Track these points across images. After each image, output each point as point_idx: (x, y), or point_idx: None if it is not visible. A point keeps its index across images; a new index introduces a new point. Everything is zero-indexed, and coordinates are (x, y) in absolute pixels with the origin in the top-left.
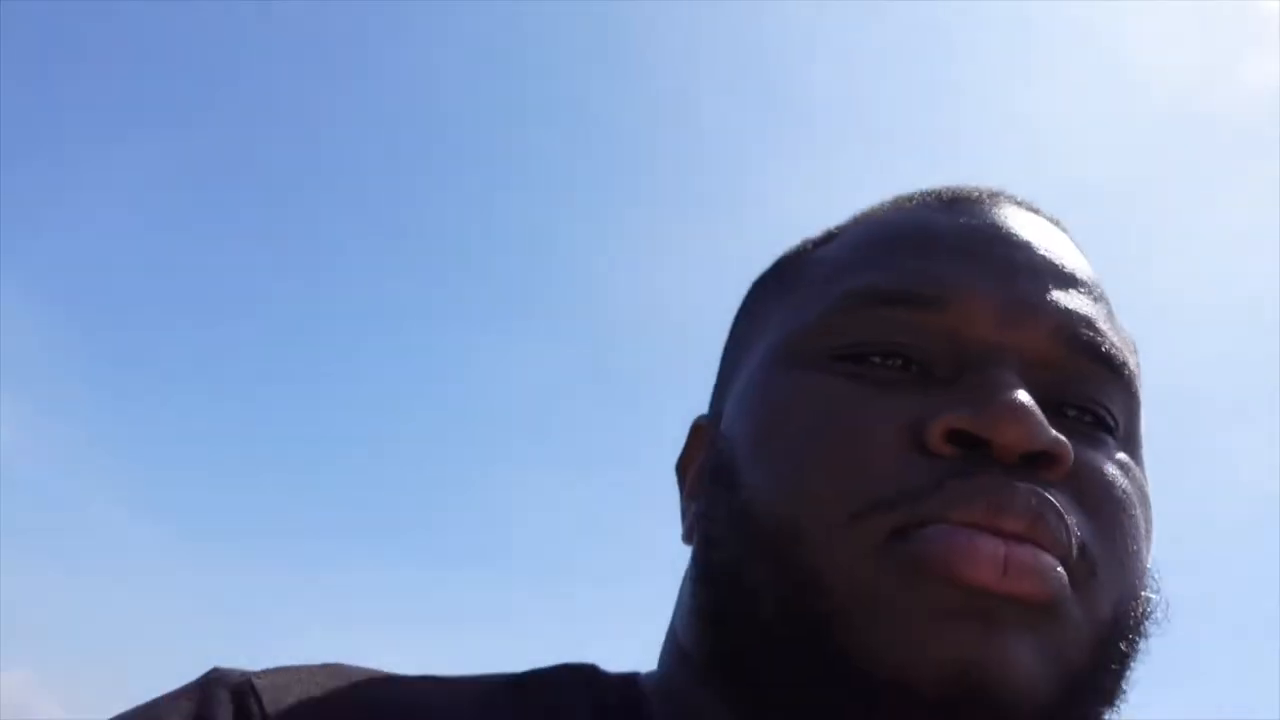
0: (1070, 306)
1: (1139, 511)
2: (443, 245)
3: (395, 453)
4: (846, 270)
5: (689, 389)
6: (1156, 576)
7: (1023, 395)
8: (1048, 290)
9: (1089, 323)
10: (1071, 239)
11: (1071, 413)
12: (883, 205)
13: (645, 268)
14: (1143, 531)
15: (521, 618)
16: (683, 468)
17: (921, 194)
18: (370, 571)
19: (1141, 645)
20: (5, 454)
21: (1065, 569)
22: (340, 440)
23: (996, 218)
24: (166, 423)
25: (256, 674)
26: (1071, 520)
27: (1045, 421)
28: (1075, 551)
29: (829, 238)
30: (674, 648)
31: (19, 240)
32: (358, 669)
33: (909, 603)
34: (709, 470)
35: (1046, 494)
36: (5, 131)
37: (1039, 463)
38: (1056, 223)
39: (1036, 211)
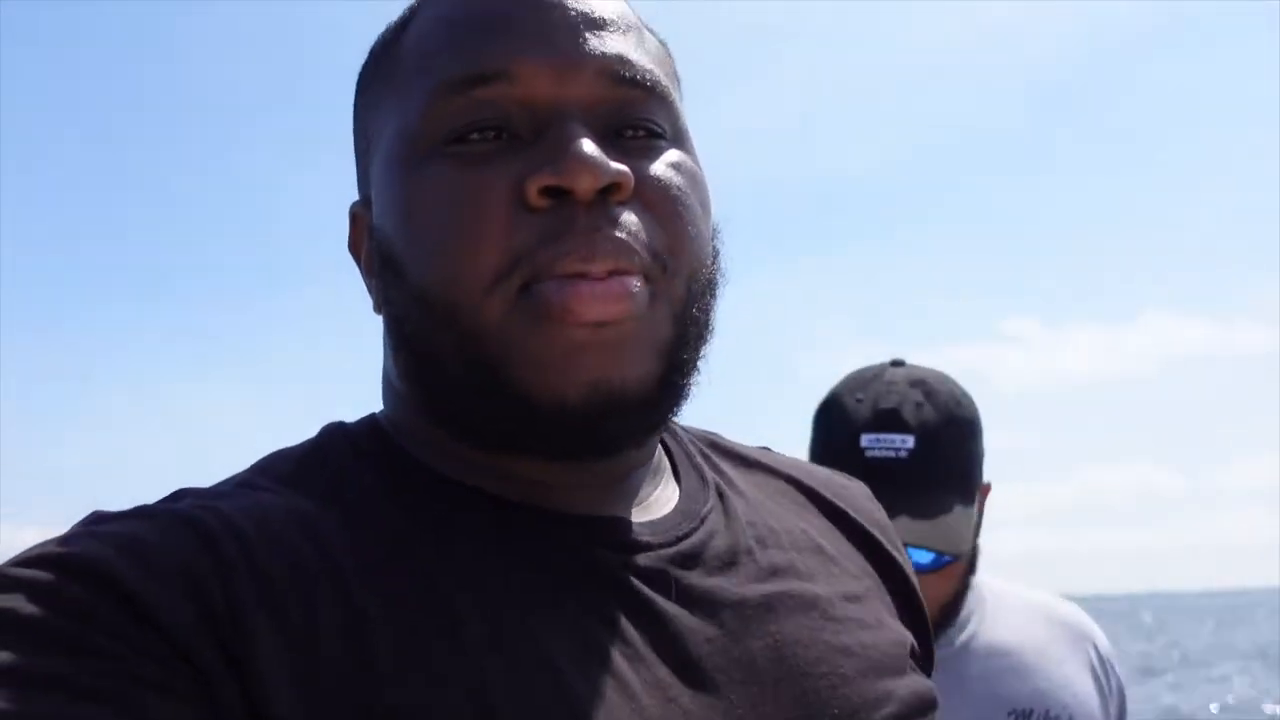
0: (606, 50)
1: (694, 198)
2: None
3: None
4: (430, 61)
5: None
6: (718, 234)
7: (586, 145)
8: (586, 42)
9: (622, 59)
10: None
11: (628, 133)
12: None
13: None
14: (699, 212)
15: None
16: (355, 249)
17: None
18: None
19: (714, 296)
20: None
21: (646, 278)
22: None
23: None
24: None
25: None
26: (642, 236)
27: (605, 161)
28: (650, 260)
29: (406, 22)
30: (393, 392)
31: None
32: (201, 488)
33: (545, 343)
34: (377, 259)
35: (618, 233)
36: None
37: (610, 192)
38: None
39: None
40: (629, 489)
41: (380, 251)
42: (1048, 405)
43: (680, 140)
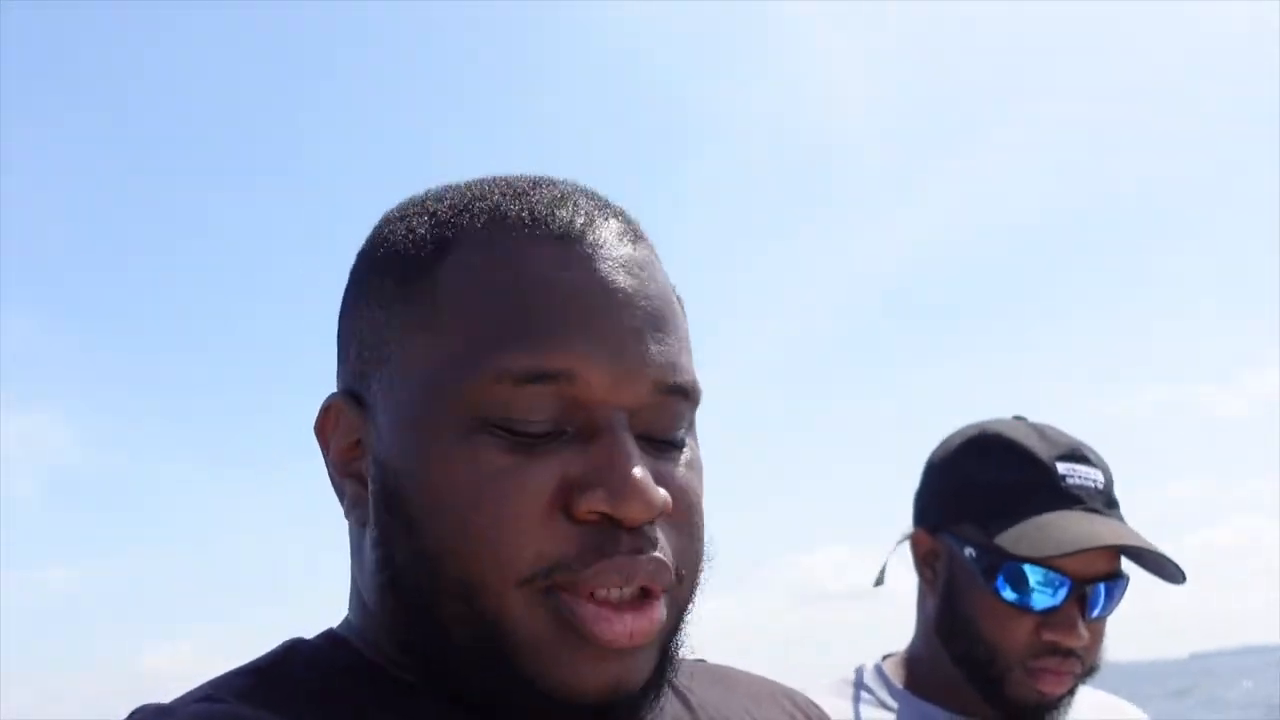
0: (661, 360)
1: (700, 498)
2: None
3: None
4: (481, 322)
5: None
6: (709, 532)
7: (640, 474)
8: (648, 349)
9: (675, 367)
10: (652, 255)
11: (660, 439)
12: (492, 218)
13: None
14: (702, 514)
15: None
16: (322, 435)
17: (530, 214)
18: None
19: (704, 583)
20: (80, 467)
21: (665, 592)
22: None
23: (602, 268)
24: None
25: None
26: (672, 556)
27: (656, 492)
28: (673, 576)
29: (443, 243)
30: (362, 606)
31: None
32: (158, 704)
33: (569, 648)
34: (378, 494)
35: (657, 554)
36: None
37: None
38: (640, 236)
39: (619, 217)
40: None
41: (383, 486)
42: None
43: (692, 429)
